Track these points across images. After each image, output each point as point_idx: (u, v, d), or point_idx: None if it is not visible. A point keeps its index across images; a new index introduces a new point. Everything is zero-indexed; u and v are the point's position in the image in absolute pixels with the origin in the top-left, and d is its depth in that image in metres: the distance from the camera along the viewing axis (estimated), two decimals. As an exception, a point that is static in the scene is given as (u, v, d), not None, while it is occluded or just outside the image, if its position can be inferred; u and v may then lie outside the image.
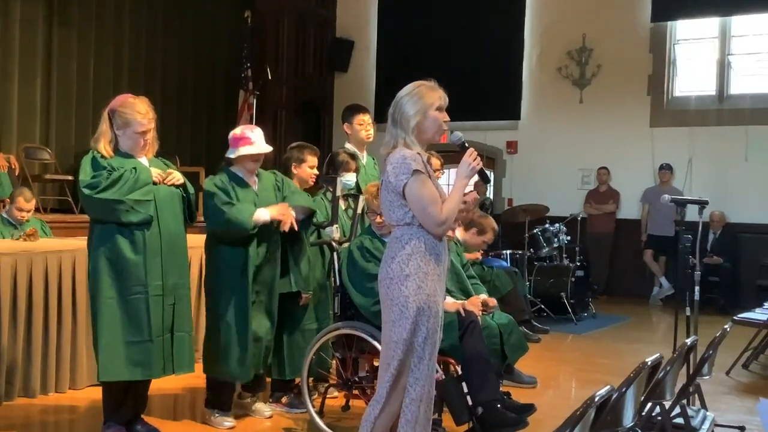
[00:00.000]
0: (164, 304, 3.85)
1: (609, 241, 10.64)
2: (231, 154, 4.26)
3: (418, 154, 3.11)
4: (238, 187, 4.23)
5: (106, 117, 3.85)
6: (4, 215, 5.99)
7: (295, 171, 4.69)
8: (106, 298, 3.76)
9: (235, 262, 4.18)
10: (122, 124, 3.83)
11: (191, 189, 4.06)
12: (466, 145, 3.23)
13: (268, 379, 4.70)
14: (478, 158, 3.17)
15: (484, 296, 4.71)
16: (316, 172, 4.75)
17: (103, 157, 3.78)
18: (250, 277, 4.17)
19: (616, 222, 10.68)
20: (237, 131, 4.31)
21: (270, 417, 4.48)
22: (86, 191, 3.71)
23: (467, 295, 4.66)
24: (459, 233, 5.92)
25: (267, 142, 4.35)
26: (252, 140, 4.24)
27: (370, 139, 5.35)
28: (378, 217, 4.18)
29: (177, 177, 3.96)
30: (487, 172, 3.06)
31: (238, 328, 4.17)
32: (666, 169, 10.22)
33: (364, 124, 5.29)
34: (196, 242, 4.43)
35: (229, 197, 4.14)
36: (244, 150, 4.23)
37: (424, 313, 3.08)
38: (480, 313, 4.50)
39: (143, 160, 3.91)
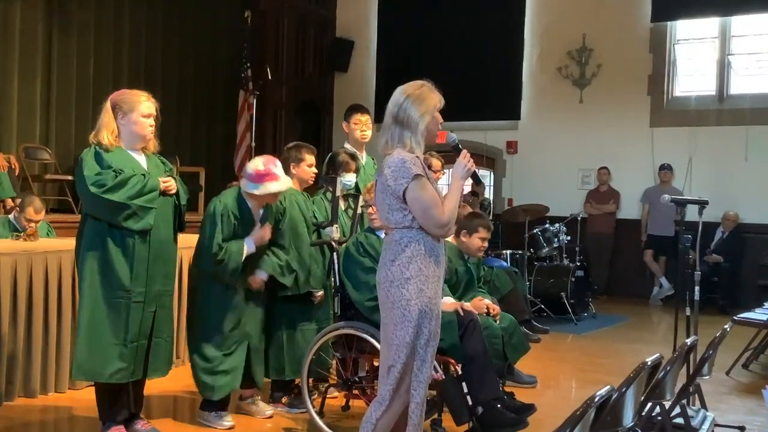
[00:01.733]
0: (144, 311, 3.82)
1: (609, 241, 10.65)
2: (254, 190, 4.15)
3: (417, 157, 3.12)
4: (239, 222, 4.20)
5: (108, 108, 3.81)
6: (12, 219, 5.95)
7: (294, 171, 4.67)
8: (87, 298, 3.75)
9: (218, 295, 4.21)
10: (128, 109, 3.79)
11: (183, 199, 4.02)
12: (460, 146, 3.27)
13: (266, 379, 4.70)
14: (472, 160, 3.22)
15: (488, 301, 4.71)
16: (314, 170, 4.75)
17: (106, 150, 3.74)
18: (233, 311, 4.20)
19: (616, 222, 10.68)
20: (260, 166, 4.16)
21: (270, 417, 4.48)
22: (93, 189, 3.66)
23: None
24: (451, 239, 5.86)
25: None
26: (278, 176, 4.17)
27: (365, 139, 5.35)
28: (371, 208, 4.22)
29: (172, 186, 3.92)
30: (479, 175, 3.06)
31: (214, 353, 4.20)
32: (667, 169, 10.21)
33: (360, 124, 5.30)
34: (187, 242, 4.42)
35: (225, 231, 4.14)
36: (272, 187, 4.15)
37: (426, 315, 3.08)
38: (482, 313, 4.51)
39: (142, 159, 3.89)
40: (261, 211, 4.30)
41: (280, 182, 4.19)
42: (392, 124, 3.17)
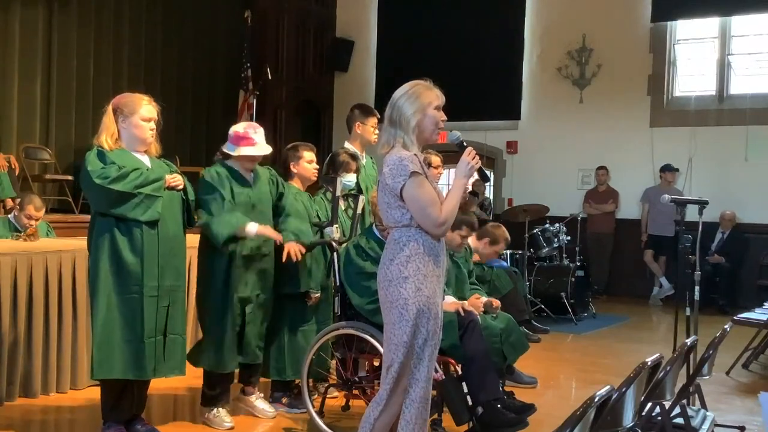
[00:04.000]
0: (158, 306, 3.84)
1: (610, 240, 10.64)
2: (230, 151, 4.25)
3: (415, 155, 3.11)
4: (234, 182, 4.23)
5: (110, 112, 3.85)
6: (11, 219, 5.96)
7: (294, 170, 4.69)
8: (102, 296, 3.76)
9: (222, 261, 4.20)
10: (128, 112, 3.82)
11: (191, 195, 4.05)
12: (465, 144, 3.25)
13: (266, 379, 4.71)
14: (477, 157, 3.18)
15: (485, 298, 4.70)
16: (316, 166, 4.75)
17: (108, 150, 3.77)
18: (236, 278, 4.20)
19: (616, 222, 10.68)
20: (240, 129, 4.28)
21: (274, 417, 4.48)
22: (98, 181, 3.68)
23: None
24: (471, 241, 5.90)
25: (267, 143, 4.36)
26: (254, 141, 4.24)
27: (376, 143, 5.37)
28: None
29: (179, 180, 3.95)
30: (486, 172, 3.08)
31: (218, 324, 4.20)
32: (671, 170, 10.18)
33: (375, 128, 5.32)
34: (194, 242, 4.43)
35: (222, 197, 4.13)
36: (245, 150, 4.23)
37: (423, 315, 3.08)
38: (480, 312, 4.50)
39: (145, 159, 3.90)
40: (251, 174, 4.32)
41: (255, 147, 4.24)
42: (387, 124, 3.17)
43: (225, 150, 4.28)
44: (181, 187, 3.96)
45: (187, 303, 4.21)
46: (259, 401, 4.53)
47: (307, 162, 4.70)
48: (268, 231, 4.20)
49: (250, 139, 4.23)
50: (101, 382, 3.93)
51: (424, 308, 3.07)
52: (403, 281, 3.07)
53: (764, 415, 2.37)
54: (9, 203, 7.01)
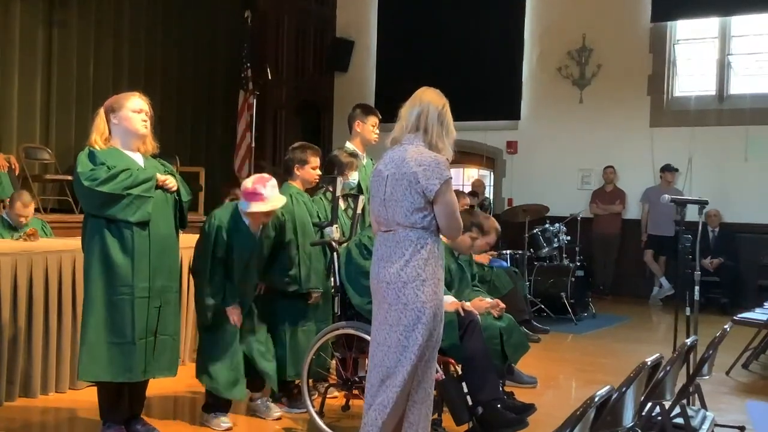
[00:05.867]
0: (149, 307, 3.82)
1: (616, 241, 10.59)
2: (244, 208, 4.20)
3: (447, 159, 3.15)
4: (237, 241, 4.20)
5: (102, 112, 3.86)
6: (5, 216, 6.00)
7: (298, 172, 4.68)
8: (93, 297, 3.75)
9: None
10: (118, 107, 3.82)
11: (185, 197, 4.02)
12: None
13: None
14: None
15: (489, 300, 4.69)
16: (318, 172, 4.75)
17: (99, 150, 3.77)
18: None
19: (622, 222, 10.65)
20: (249, 185, 4.20)
21: (279, 419, 4.47)
22: (86, 183, 3.68)
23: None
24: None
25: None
26: (264, 197, 4.16)
27: (376, 143, 5.38)
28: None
29: (172, 183, 3.92)
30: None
31: (225, 347, 4.23)
32: (671, 170, 10.17)
33: (376, 127, 5.32)
34: (189, 242, 4.43)
35: (213, 259, 4.17)
36: (255, 207, 4.15)
37: (437, 317, 3.10)
38: (483, 314, 4.50)
39: (138, 158, 3.89)
40: (259, 227, 4.29)
41: (264, 203, 4.17)
42: (437, 121, 3.18)
43: (241, 208, 4.24)
44: (174, 189, 3.93)
45: (180, 304, 4.20)
46: (265, 404, 4.52)
47: (311, 168, 4.70)
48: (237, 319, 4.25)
49: (259, 195, 4.15)
50: (97, 384, 3.93)
51: (438, 311, 3.10)
52: (421, 284, 3.07)
53: (753, 422, 2.37)
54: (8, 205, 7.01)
